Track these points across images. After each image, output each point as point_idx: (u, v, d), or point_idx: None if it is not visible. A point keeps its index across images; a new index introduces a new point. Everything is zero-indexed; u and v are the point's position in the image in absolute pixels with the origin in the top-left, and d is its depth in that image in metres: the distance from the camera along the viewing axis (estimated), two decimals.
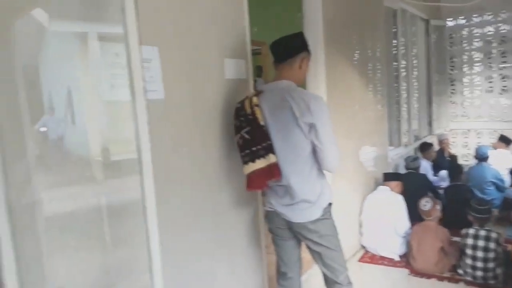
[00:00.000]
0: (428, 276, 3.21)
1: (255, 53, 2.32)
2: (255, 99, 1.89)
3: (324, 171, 1.93)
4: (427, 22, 5.98)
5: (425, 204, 3.37)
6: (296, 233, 1.97)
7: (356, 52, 3.68)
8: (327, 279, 2.03)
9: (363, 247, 3.77)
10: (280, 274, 2.11)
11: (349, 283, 2.04)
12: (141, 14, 1.60)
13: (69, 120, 1.97)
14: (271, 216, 2.02)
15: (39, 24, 1.63)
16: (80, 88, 1.92)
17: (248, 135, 1.88)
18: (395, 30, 5.01)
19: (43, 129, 1.71)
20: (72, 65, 1.88)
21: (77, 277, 1.80)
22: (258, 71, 5.90)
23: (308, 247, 1.99)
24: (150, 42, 1.66)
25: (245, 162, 1.91)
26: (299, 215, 1.90)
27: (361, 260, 3.60)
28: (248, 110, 1.88)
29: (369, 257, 3.64)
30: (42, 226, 1.69)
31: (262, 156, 1.86)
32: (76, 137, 2.05)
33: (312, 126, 1.79)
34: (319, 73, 2.99)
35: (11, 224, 1.31)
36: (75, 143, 2.05)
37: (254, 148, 1.87)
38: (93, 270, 1.83)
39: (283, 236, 2.02)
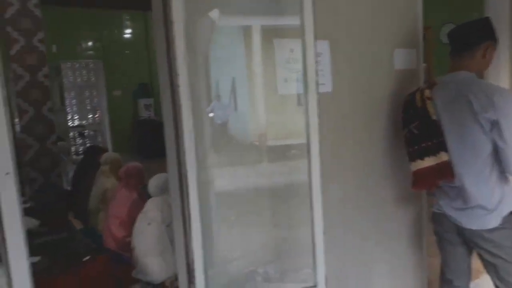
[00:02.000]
0: None
1: None
2: (427, 92, 1.78)
3: (508, 175, 1.71)
4: None
5: None
6: (468, 240, 1.80)
7: None
8: None
9: None
10: (445, 281, 1.95)
11: None
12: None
13: (232, 107, 2.17)
14: (438, 219, 1.88)
15: (213, 21, 1.81)
16: (246, 79, 2.10)
17: (417, 130, 1.78)
18: None
19: (211, 114, 1.93)
20: (239, 57, 2.06)
21: (239, 249, 1.99)
22: None
23: (481, 257, 1.79)
24: (322, 36, 1.68)
25: (412, 159, 1.81)
26: (472, 222, 1.72)
27: None
28: (419, 103, 1.78)
29: None
30: (213, 202, 1.91)
31: (432, 153, 1.75)
32: (238, 122, 2.25)
33: (495, 124, 1.59)
34: (501, 61, 2.62)
35: (199, 199, 1.50)
36: (239, 128, 2.25)
37: (423, 144, 1.76)
38: (255, 245, 1.99)
39: (452, 241, 1.86)
